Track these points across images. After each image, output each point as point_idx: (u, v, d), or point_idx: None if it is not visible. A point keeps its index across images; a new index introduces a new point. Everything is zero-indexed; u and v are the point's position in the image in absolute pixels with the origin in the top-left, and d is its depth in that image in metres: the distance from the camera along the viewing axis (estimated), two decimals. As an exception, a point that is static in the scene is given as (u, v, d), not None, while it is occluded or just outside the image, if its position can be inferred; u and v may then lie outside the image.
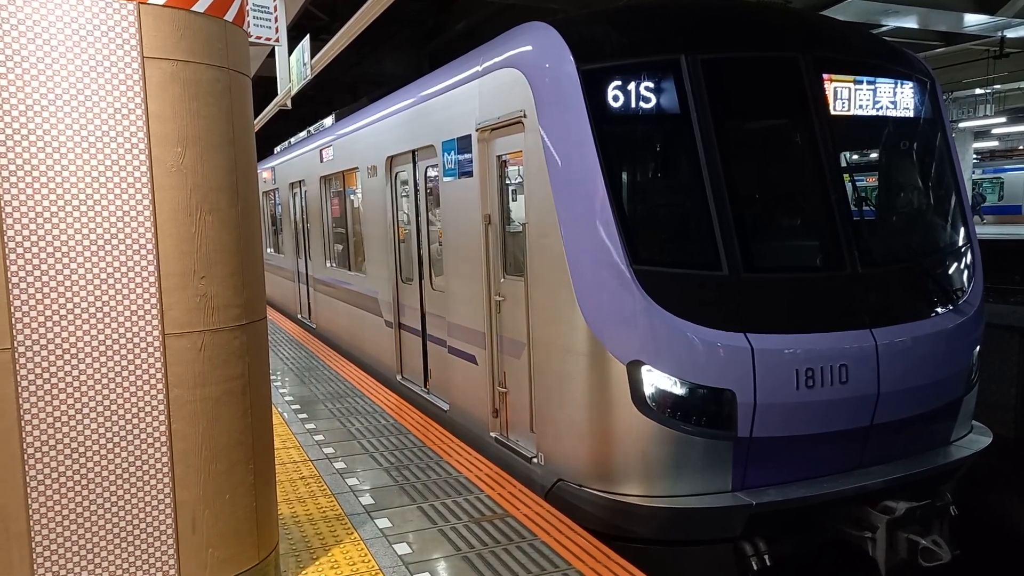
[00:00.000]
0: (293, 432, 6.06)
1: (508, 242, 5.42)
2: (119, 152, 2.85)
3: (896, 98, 5.12)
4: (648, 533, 4.34)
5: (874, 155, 5.60)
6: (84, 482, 2.91)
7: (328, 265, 10.53)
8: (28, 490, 2.84)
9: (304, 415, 6.58)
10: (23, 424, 2.81)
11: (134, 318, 2.91)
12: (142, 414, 2.95)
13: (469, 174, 5.67)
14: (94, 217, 2.83)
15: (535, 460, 4.98)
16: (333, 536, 4.07)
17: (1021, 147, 32.90)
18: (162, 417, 2.98)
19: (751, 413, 4.25)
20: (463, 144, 5.73)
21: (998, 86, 23.10)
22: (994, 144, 31.65)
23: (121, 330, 2.90)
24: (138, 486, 2.98)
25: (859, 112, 4.97)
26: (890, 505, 4.41)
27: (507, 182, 5.39)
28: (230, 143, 3.12)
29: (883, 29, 13.67)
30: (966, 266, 5.21)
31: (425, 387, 7.17)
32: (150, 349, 2.95)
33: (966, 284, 5.11)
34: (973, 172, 29.17)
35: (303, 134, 13.26)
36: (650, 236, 4.65)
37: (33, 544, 2.86)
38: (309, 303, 12.03)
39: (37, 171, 2.74)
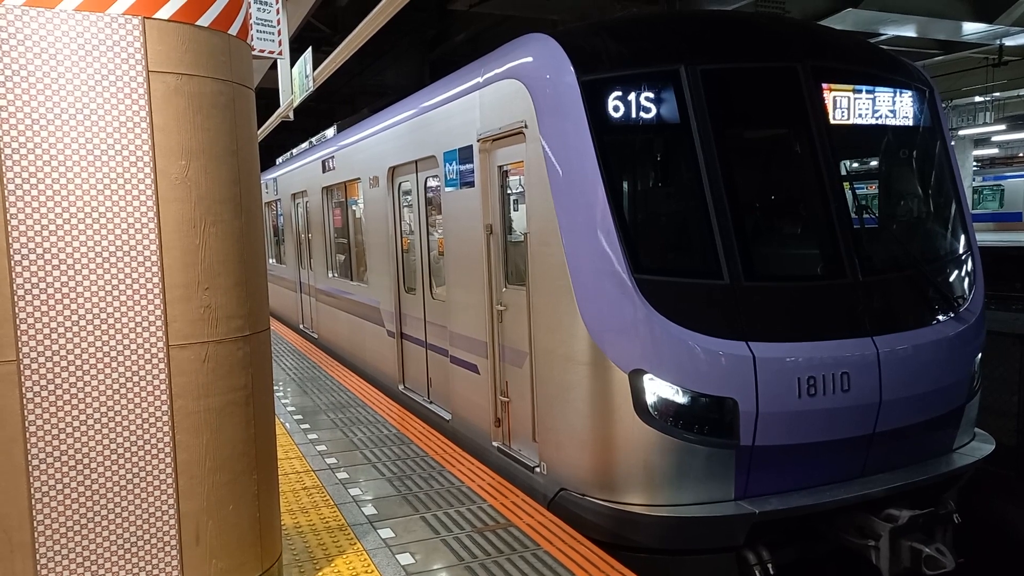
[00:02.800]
0: (296, 442, 6.07)
1: (509, 251, 5.44)
2: (124, 165, 2.87)
3: (895, 107, 5.15)
4: (651, 542, 4.34)
5: (874, 163, 5.63)
6: (88, 493, 2.91)
7: (330, 275, 10.55)
8: (32, 501, 2.85)
9: (306, 425, 6.59)
10: (28, 435, 2.82)
11: (138, 329, 2.93)
12: (146, 425, 2.97)
13: (471, 184, 5.70)
14: (99, 229, 2.85)
15: (537, 469, 4.98)
16: (336, 546, 4.07)
17: (1021, 154, 32.94)
18: (166, 428, 3.00)
19: (753, 421, 4.25)
20: (464, 154, 5.76)
21: (997, 94, 23.17)
22: (994, 151, 31.70)
23: (126, 341, 2.92)
24: (142, 497, 2.99)
25: (858, 121, 4.99)
26: (893, 513, 4.40)
27: (508, 192, 5.41)
28: (233, 155, 3.14)
29: (882, 38, 13.72)
30: (967, 273, 5.22)
31: (427, 397, 7.17)
32: (154, 360, 2.96)
33: (967, 291, 5.12)
34: (973, 179, 29.20)
35: (305, 145, 13.32)
36: (651, 245, 4.67)
37: (37, 556, 2.87)
38: (311, 313, 12.05)
39: (43, 184, 2.77)
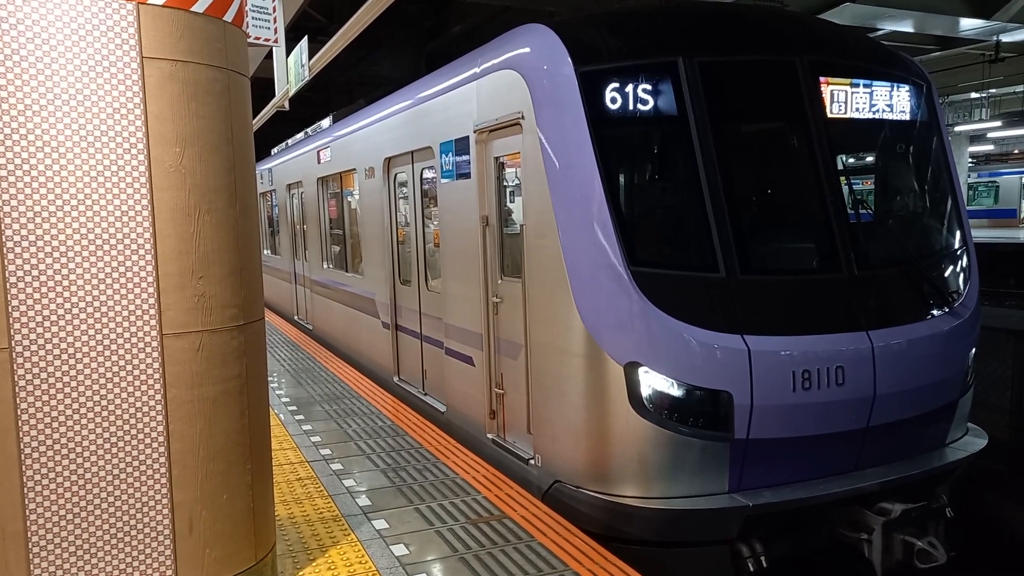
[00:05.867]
0: (290, 433, 6.06)
1: (506, 243, 5.43)
2: (118, 152, 2.85)
3: (892, 101, 5.15)
4: (645, 534, 4.35)
5: (870, 158, 5.63)
6: (81, 482, 2.90)
7: (325, 267, 10.53)
8: (25, 490, 2.83)
9: (301, 416, 6.58)
10: (20, 424, 2.80)
11: (132, 318, 2.91)
12: (139, 414, 2.95)
13: (467, 175, 5.68)
14: (92, 217, 2.83)
15: (532, 461, 4.98)
16: (330, 537, 4.07)
17: (1016, 151, 33.02)
18: (159, 417, 2.98)
19: (748, 415, 4.26)
20: (461, 145, 5.74)
21: (993, 90, 23.21)
22: (989, 148, 31.77)
23: (119, 330, 2.90)
24: (135, 486, 2.97)
25: (855, 115, 4.99)
26: (886, 507, 4.42)
27: (505, 183, 5.40)
28: (228, 143, 3.12)
29: (879, 33, 13.72)
30: (962, 269, 5.23)
31: (422, 388, 7.17)
32: (148, 349, 2.94)
33: (962, 287, 5.13)
34: (968, 176, 29.28)
35: (300, 135, 13.26)
36: (647, 238, 4.66)
37: (30, 544, 2.86)
38: (306, 304, 12.02)
39: (36, 171, 2.74)
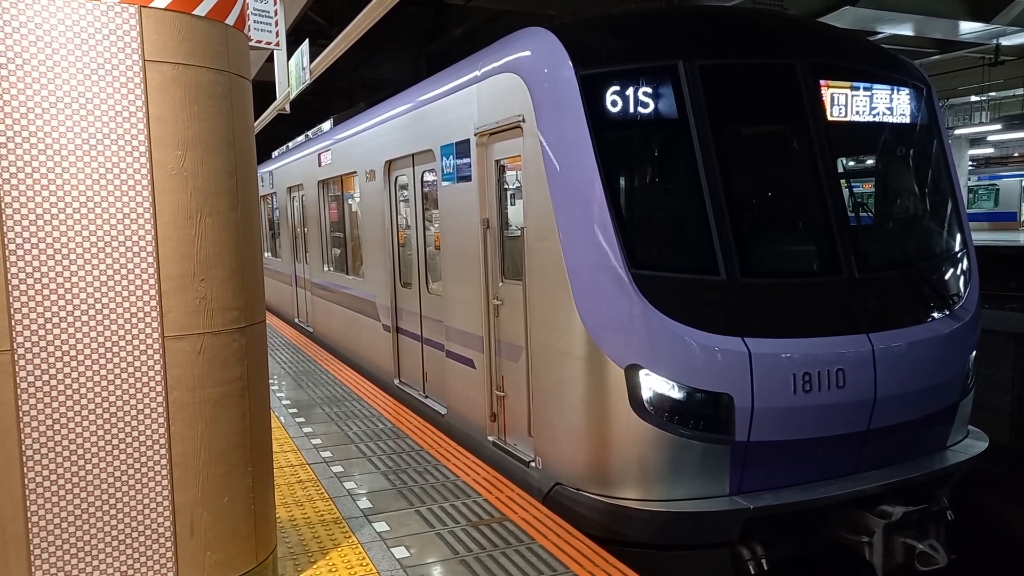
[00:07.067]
0: (291, 436, 6.06)
1: (506, 246, 5.44)
2: (120, 155, 2.86)
3: (892, 104, 5.15)
4: (645, 537, 4.34)
5: (871, 161, 5.63)
6: (83, 484, 2.90)
7: (326, 269, 10.53)
8: (26, 492, 2.84)
9: (301, 419, 6.58)
10: (22, 426, 2.81)
11: (134, 320, 2.92)
12: (141, 416, 2.96)
13: (468, 178, 5.69)
14: (95, 219, 2.84)
15: (533, 464, 4.98)
16: (331, 539, 4.07)
17: (1016, 154, 33.03)
18: (161, 419, 2.99)
19: (748, 417, 4.26)
20: (462, 148, 5.75)
21: (993, 93, 23.24)
22: (989, 151, 31.79)
23: (121, 332, 2.90)
24: (136, 488, 2.98)
25: (856, 118, 5.00)
26: (887, 509, 4.42)
27: (505, 186, 5.40)
28: (230, 146, 3.13)
29: (879, 36, 13.75)
30: (962, 272, 5.23)
31: (423, 391, 7.17)
32: (149, 351, 2.95)
33: (962, 289, 5.13)
34: (969, 179, 29.30)
35: (301, 139, 13.28)
36: (648, 240, 4.67)
37: (31, 547, 2.86)
38: (306, 307, 12.03)
39: (38, 173, 2.75)
